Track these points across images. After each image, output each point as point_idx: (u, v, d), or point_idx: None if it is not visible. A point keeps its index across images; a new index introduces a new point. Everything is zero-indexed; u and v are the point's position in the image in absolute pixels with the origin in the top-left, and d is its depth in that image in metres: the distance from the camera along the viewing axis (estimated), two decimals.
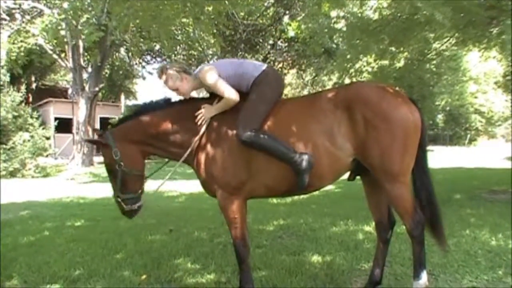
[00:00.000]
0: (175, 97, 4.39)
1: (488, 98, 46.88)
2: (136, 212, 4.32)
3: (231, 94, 3.99)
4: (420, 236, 3.86)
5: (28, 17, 23.78)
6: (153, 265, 5.42)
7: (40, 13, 23.36)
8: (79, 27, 19.81)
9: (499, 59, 18.51)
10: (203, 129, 4.08)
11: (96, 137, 4.35)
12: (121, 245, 6.57)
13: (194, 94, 4.47)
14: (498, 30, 10.33)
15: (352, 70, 14.81)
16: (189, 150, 4.11)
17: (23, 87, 26.35)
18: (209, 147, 4.04)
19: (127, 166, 4.14)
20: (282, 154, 3.75)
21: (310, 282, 4.61)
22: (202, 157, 4.07)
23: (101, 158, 23.54)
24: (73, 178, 20.57)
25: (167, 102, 4.36)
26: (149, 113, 4.25)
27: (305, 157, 3.72)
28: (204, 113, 4.08)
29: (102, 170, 23.14)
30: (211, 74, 4.01)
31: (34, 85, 37.78)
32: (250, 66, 4.15)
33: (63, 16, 17.23)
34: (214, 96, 4.22)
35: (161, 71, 4.19)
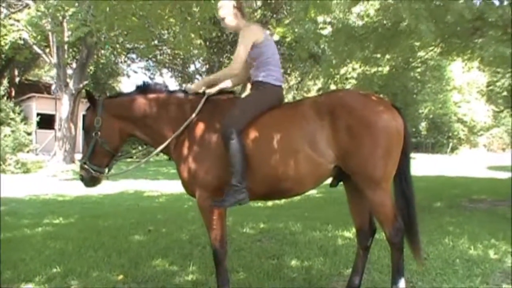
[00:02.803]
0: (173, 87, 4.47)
1: (471, 108, 47.35)
2: (93, 184, 4.37)
3: (234, 67, 4.15)
4: (400, 244, 3.86)
5: (13, 10, 23.58)
6: (131, 265, 5.38)
7: (26, 7, 23.16)
8: (64, 23, 19.66)
9: (482, 70, 18.68)
10: (183, 125, 4.11)
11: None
12: (99, 243, 6.52)
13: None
14: (481, 41, 10.44)
15: (337, 76, 14.87)
16: (164, 144, 4.17)
17: (5, 81, 26.08)
18: (191, 146, 4.04)
19: (102, 137, 4.21)
20: (234, 171, 3.78)
21: (288, 286, 4.60)
22: (183, 155, 4.06)
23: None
24: (55, 175, 20.39)
25: (165, 88, 4.44)
26: (144, 94, 4.31)
27: (244, 195, 3.82)
28: (193, 86, 4.26)
29: None
30: (247, 39, 4.13)
31: (17, 80, 37.42)
32: (276, 73, 4.24)
33: (47, 10, 17.12)
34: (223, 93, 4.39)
35: None
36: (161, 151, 4.36)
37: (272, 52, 4.25)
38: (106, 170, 4.35)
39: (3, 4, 23.01)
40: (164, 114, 4.22)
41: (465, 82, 42.81)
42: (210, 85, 4.33)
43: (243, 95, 4.32)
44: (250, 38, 4.13)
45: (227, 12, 4.27)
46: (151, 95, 4.28)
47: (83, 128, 4.41)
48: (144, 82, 4.41)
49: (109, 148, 4.24)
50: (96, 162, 4.24)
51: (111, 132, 4.23)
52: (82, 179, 4.34)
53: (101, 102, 4.27)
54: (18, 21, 23.29)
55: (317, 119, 3.81)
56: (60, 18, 20.45)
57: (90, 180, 4.31)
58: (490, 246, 6.15)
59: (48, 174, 21.05)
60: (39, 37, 23.05)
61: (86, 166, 4.24)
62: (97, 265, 5.40)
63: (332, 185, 4.25)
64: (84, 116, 4.48)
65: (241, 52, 4.11)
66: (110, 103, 4.31)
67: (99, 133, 4.18)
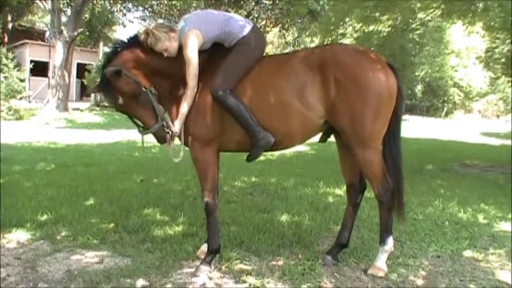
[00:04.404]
0: None
1: (468, 73, 47.09)
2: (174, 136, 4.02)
3: (193, 84, 3.85)
4: (388, 202, 3.88)
5: None
6: (122, 214, 5.41)
7: None
8: None
9: (482, 35, 18.49)
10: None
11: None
12: (91, 192, 6.54)
13: None
14: (483, 5, 10.33)
15: (335, 34, 14.71)
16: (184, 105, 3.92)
17: None
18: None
19: (151, 85, 3.97)
20: (246, 125, 3.75)
21: (278, 240, 4.63)
22: (176, 107, 4.00)
23: (76, 104, 23.11)
24: (48, 123, 20.31)
25: None
26: (139, 48, 4.00)
27: (266, 136, 3.78)
28: (177, 126, 3.93)
29: (77, 117, 22.93)
30: (192, 43, 3.84)
31: (10, 25, 36.83)
32: (237, 25, 3.99)
33: None
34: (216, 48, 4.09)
35: (147, 34, 3.91)
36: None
37: (219, 27, 3.97)
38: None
39: None
40: (163, 68, 4.07)
41: (464, 47, 42.43)
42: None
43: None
44: (194, 42, 3.86)
45: (166, 42, 3.90)
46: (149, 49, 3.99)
47: (125, 101, 3.98)
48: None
49: (156, 92, 4.03)
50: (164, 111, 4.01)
51: (145, 78, 3.98)
52: (166, 139, 4.01)
53: (119, 66, 3.93)
54: None
55: (308, 72, 3.75)
56: None
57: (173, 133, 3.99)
58: (480, 210, 6.22)
59: (41, 121, 20.96)
60: None
61: (165, 122, 3.93)
62: (88, 213, 5.43)
63: (320, 140, 4.22)
64: (115, 95, 3.98)
65: (192, 73, 3.85)
66: (123, 61, 3.96)
67: (146, 85, 3.94)
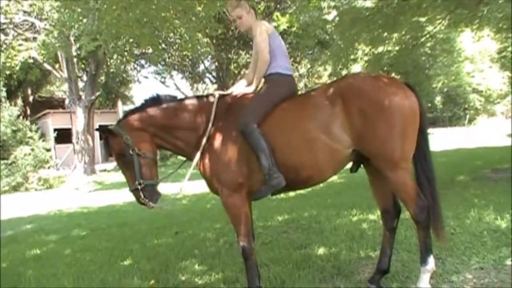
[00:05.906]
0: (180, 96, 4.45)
1: (485, 77, 46.68)
2: (157, 198, 4.23)
3: (265, 58, 4.20)
4: (425, 222, 3.84)
5: (20, 31, 23.81)
6: (161, 269, 5.44)
7: (32, 26, 23.40)
8: (71, 37, 19.78)
9: (493, 37, 18.39)
10: (209, 128, 4.09)
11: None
12: (127, 251, 6.58)
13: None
14: (488, 9, 10.36)
15: (345, 60, 14.79)
16: (196, 159, 4.11)
17: (20, 101, 26.38)
18: (211, 147, 4.07)
19: (140, 149, 4.11)
20: (263, 161, 3.79)
21: (318, 275, 4.61)
22: (205, 155, 4.09)
23: (102, 166, 23.39)
24: (77, 188, 20.59)
25: (173, 97, 4.42)
26: (156, 106, 4.26)
27: (279, 177, 3.82)
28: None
29: (105, 178, 23.18)
30: (262, 32, 4.21)
31: (31, 98, 37.84)
32: (283, 63, 4.29)
33: (57, 31, 17.31)
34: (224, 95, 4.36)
35: None
36: (181, 154, 4.40)
37: (277, 44, 4.29)
38: (157, 179, 4.29)
39: (10, 26, 23.26)
40: (183, 122, 4.23)
41: (477, 51, 42.22)
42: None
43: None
44: (265, 32, 4.22)
45: (244, 11, 4.33)
46: (165, 106, 4.27)
47: (117, 159, 4.27)
48: (152, 96, 4.36)
49: (151, 156, 4.19)
50: (147, 176, 4.15)
51: (145, 142, 4.17)
52: (145, 201, 4.15)
53: (119, 126, 4.21)
54: (25, 40, 23.52)
55: (329, 106, 3.82)
56: (66, 32, 20.59)
57: (153, 196, 4.19)
58: None
59: (71, 187, 21.27)
60: (48, 55, 23.27)
61: (139, 188, 4.09)
62: (128, 273, 5.46)
63: (352, 170, 4.25)
64: (110, 150, 4.36)
65: (264, 46, 4.20)
66: (126, 122, 4.23)
67: (135, 148, 4.10)
